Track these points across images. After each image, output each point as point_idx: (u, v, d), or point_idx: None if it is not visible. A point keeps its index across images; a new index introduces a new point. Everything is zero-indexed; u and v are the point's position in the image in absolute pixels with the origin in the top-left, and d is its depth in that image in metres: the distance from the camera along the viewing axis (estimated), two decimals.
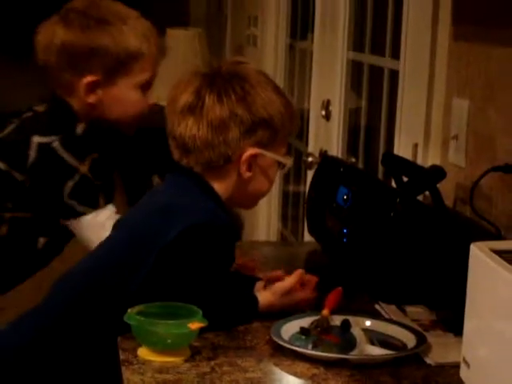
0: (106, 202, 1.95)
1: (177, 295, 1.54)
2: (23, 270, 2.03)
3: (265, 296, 1.65)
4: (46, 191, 1.90)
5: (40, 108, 2.00)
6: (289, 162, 1.72)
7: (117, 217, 1.86)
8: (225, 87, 1.64)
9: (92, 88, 1.96)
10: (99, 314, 1.62)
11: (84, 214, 1.91)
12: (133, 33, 1.96)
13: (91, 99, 1.97)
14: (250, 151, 1.64)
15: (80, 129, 1.94)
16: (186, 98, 1.64)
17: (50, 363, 1.64)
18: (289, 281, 1.67)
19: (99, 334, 1.63)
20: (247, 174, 1.66)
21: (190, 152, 1.65)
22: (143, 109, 2.05)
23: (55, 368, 1.65)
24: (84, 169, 1.90)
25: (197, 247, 1.57)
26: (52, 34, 1.94)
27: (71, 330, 1.63)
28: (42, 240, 1.98)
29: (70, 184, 1.89)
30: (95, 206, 1.93)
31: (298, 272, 1.70)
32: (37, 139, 1.88)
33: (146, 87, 2.03)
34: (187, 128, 1.64)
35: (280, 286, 1.66)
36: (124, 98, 1.99)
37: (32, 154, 1.87)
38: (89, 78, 1.95)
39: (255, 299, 1.64)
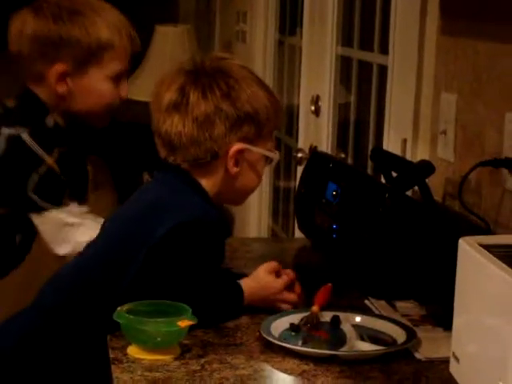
0: (75, 200, 1.93)
1: (167, 292, 1.53)
2: (2, 267, 2.01)
3: (247, 284, 1.65)
4: (11, 182, 1.89)
5: (10, 103, 2.00)
6: (276, 156, 1.72)
7: (85, 216, 1.85)
8: (209, 83, 1.63)
9: (62, 77, 1.96)
10: (89, 312, 1.62)
11: (45, 210, 1.90)
12: (105, 24, 1.96)
13: (61, 89, 1.96)
14: (237, 146, 1.64)
15: (50, 121, 1.94)
16: (170, 95, 1.64)
17: (41, 363, 1.64)
18: (279, 282, 1.67)
19: (89, 333, 1.62)
20: (234, 170, 1.66)
21: (177, 149, 1.65)
22: (114, 100, 2.05)
23: (45, 367, 1.65)
24: (51, 161, 1.89)
25: (186, 244, 1.57)
26: (24, 24, 1.95)
27: (61, 329, 1.63)
28: (18, 237, 1.98)
29: (35, 177, 1.88)
30: (58, 203, 1.91)
31: (291, 275, 1.70)
32: (6, 131, 1.89)
33: (117, 79, 2.03)
34: (173, 125, 1.63)
35: (271, 282, 1.66)
36: (94, 88, 1.99)
37: (1, 145, 1.87)
38: (59, 68, 1.95)
39: (239, 287, 1.63)
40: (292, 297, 1.67)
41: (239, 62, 1.75)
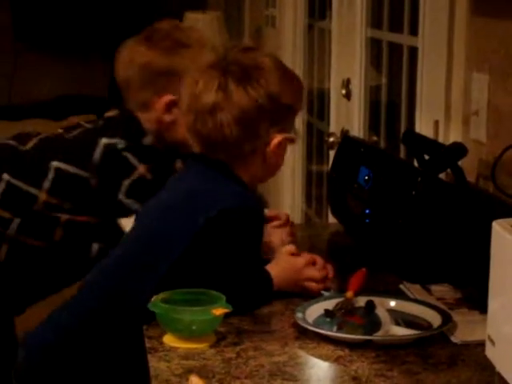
0: None
1: (206, 280, 1.55)
2: (73, 275, 2.05)
3: (272, 269, 1.65)
4: (104, 189, 1.94)
5: (111, 113, 2.06)
6: (297, 137, 1.77)
7: None
8: (247, 82, 1.63)
9: (169, 108, 1.99)
10: (129, 304, 1.63)
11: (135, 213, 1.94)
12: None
13: (168, 118, 2.00)
14: (277, 139, 1.66)
15: (147, 140, 1.97)
16: (210, 96, 1.63)
17: (80, 356, 1.66)
18: (300, 260, 1.67)
19: (128, 323, 1.64)
20: (273, 159, 1.68)
21: (218, 148, 1.66)
22: None
23: (84, 360, 1.67)
24: (143, 169, 1.93)
25: (228, 231, 1.59)
26: (135, 53, 1.99)
27: (104, 321, 1.65)
28: (95, 246, 2.02)
29: (127, 183, 1.93)
30: None
31: (310, 255, 1.70)
32: (104, 141, 1.94)
33: None
34: (216, 127, 1.63)
35: (292, 262, 1.67)
36: None
37: (97, 153, 1.93)
38: (168, 98, 1.98)
39: (268, 274, 1.64)
40: (315, 273, 1.67)
41: (263, 51, 1.75)
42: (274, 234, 1.88)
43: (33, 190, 1.95)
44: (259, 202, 1.67)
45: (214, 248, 1.59)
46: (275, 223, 1.93)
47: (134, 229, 1.73)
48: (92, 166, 1.92)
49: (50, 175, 1.94)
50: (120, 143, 1.93)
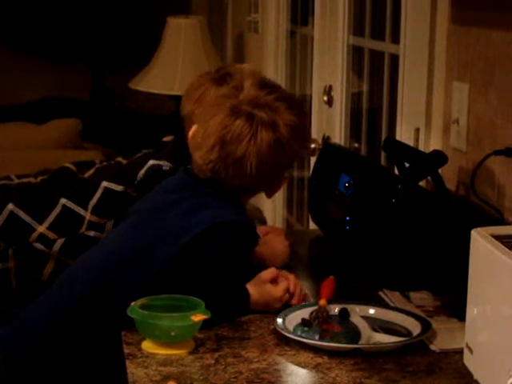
0: None
1: (190, 288, 1.56)
2: None
3: (251, 291, 1.65)
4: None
5: (166, 138, 2.08)
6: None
7: None
8: (276, 135, 1.66)
9: None
10: (110, 307, 1.62)
11: None
12: None
13: None
14: (285, 179, 1.76)
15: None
16: (240, 147, 1.65)
17: (57, 361, 1.65)
18: (279, 290, 1.66)
19: (105, 329, 1.63)
20: (275, 192, 1.78)
21: (231, 186, 1.69)
22: None
23: (62, 363, 1.66)
24: None
25: (220, 243, 1.62)
26: (205, 92, 1.97)
27: (83, 324, 1.64)
28: None
29: None
30: None
31: (290, 279, 1.69)
32: (151, 162, 1.97)
33: None
34: (238, 175, 1.66)
35: (271, 291, 1.66)
36: None
37: (142, 172, 1.95)
38: None
39: (247, 294, 1.64)
40: (292, 301, 1.67)
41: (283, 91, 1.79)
42: (271, 243, 1.89)
43: (81, 211, 1.96)
44: (251, 221, 1.71)
45: (204, 257, 1.62)
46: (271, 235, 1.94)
47: (122, 233, 1.73)
48: (134, 182, 1.95)
49: (98, 194, 1.97)
50: (165, 165, 1.96)
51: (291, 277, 1.69)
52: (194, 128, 1.74)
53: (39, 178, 2.07)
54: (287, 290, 1.66)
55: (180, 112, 2.03)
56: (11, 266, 1.95)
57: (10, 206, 1.98)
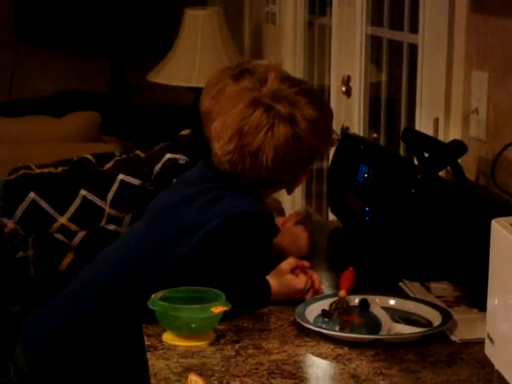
0: None
1: (210, 280, 1.56)
2: None
3: (272, 283, 1.65)
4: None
5: (184, 132, 2.08)
6: None
7: None
8: (295, 129, 1.66)
9: None
10: (131, 302, 1.63)
11: None
12: None
13: None
14: (305, 176, 1.76)
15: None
16: (257, 138, 1.64)
17: (79, 353, 1.66)
18: (301, 282, 1.66)
19: (127, 322, 1.64)
20: (295, 188, 1.78)
21: (250, 179, 1.68)
22: None
23: (83, 357, 1.67)
24: None
25: (239, 235, 1.61)
26: (223, 88, 1.96)
27: (106, 315, 1.65)
28: None
29: None
30: None
31: (310, 273, 1.69)
32: (168, 155, 1.97)
33: None
34: (256, 167, 1.66)
35: (293, 282, 1.66)
36: None
37: (159, 165, 1.95)
38: None
39: (268, 287, 1.64)
40: (309, 294, 1.66)
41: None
42: (290, 234, 1.89)
43: (101, 203, 1.97)
44: (270, 214, 1.70)
45: (221, 250, 1.61)
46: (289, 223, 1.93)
47: (141, 229, 1.73)
48: (151, 176, 1.95)
49: (114, 187, 1.97)
50: (181, 159, 1.95)
51: (311, 271, 1.69)
52: (215, 121, 1.74)
53: (60, 169, 2.07)
54: (307, 282, 1.66)
55: (199, 107, 2.03)
56: (30, 254, 1.96)
57: (32, 195, 1.99)
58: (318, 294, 1.66)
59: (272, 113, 1.65)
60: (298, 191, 3.63)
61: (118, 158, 2.08)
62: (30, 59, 5.24)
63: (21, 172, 2.07)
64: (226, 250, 1.62)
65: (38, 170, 2.08)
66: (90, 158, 2.09)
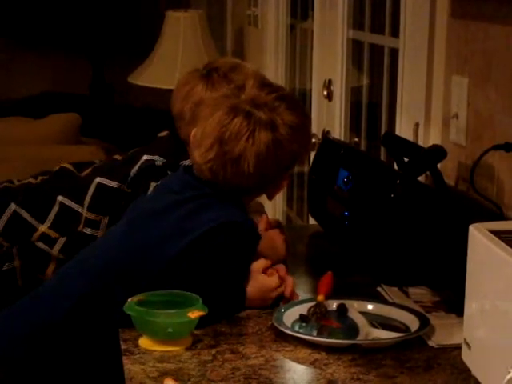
0: None
1: (191, 287, 1.55)
2: None
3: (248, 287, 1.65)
4: (136, 194, 1.93)
5: (162, 134, 2.07)
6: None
7: None
8: (275, 135, 1.65)
9: None
10: (109, 307, 1.62)
11: None
12: None
13: None
14: (286, 181, 1.75)
15: (187, 163, 1.94)
16: (238, 145, 1.63)
17: (53, 357, 1.65)
18: (274, 280, 1.65)
19: (105, 326, 1.63)
20: (276, 194, 1.77)
21: (230, 187, 1.67)
22: None
23: (59, 361, 1.65)
24: None
25: (225, 244, 1.61)
26: (192, 89, 1.97)
27: (82, 320, 1.63)
28: None
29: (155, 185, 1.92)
30: None
31: (281, 270, 1.69)
32: (145, 157, 1.96)
33: None
34: (237, 175, 1.65)
35: (265, 281, 1.66)
36: None
37: (136, 167, 1.95)
38: None
39: (244, 293, 1.63)
40: (285, 293, 1.66)
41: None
42: (269, 239, 1.88)
43: (78, 208, 1.96)
44: (254, 222, 1.70)
45: (207, 256, 1.60)
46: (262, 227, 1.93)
47: (126, 231, 1.72)
48: (128, 178, 1.95)
49: (91, 190, 1.97)
50: (158, 160, 1.95)
51: (281, 267, 1.69)
52: (195, 128, 1.73)
53: (39, 179, 2.07)
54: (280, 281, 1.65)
55: (170, 110, 2.02)
56: (17, 265, 1.95)
57: (13, 206, 1.99)
58: (292, 300, 1.65)
59: (252, 119, 1.64)
60: (279, 195, 3.62)
61: (96, 165, 2.07)
62: (11, 60, 5.21)
63: (2, 186, 2.06)
64: (211, 257, 1.61)
65: (18, 183, 2.08)
66: (69, 166, 2.09)
